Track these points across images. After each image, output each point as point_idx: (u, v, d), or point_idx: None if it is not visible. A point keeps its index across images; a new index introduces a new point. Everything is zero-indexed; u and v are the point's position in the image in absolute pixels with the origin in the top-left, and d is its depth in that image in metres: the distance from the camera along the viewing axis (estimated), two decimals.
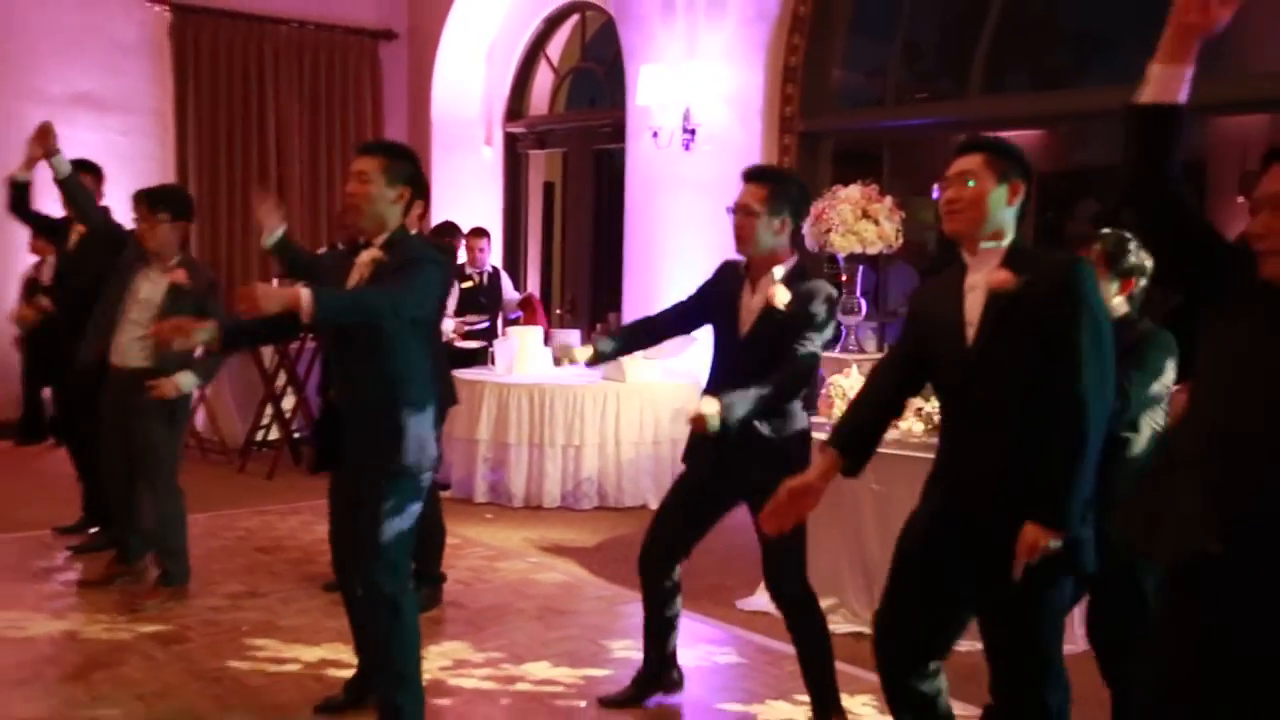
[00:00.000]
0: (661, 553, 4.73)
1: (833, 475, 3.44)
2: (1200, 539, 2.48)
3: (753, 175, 4.55)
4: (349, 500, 4.18)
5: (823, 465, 3.47)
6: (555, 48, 11.65)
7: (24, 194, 6.88)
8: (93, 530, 6.95)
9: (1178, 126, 2.68)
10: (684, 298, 4.86)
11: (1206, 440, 2.58)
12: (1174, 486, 2.63)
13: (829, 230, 7.11)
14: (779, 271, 4.42)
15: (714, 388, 4.43)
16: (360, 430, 4.09)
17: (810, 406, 6.10)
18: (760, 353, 4.38)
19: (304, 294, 3.78)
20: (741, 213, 4.44)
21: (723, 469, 4.55)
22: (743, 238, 4.46)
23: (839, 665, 4.78)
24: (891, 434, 4.20)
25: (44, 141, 6.55)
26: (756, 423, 4.36)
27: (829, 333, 4.51)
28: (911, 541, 3.51)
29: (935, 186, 3.49)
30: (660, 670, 4.93)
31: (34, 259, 8.11)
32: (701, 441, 4.50)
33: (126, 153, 10.04)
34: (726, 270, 4.67)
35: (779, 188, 4.49)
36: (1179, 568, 2.59)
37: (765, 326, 4.39)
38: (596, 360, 4.80)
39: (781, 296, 4.34)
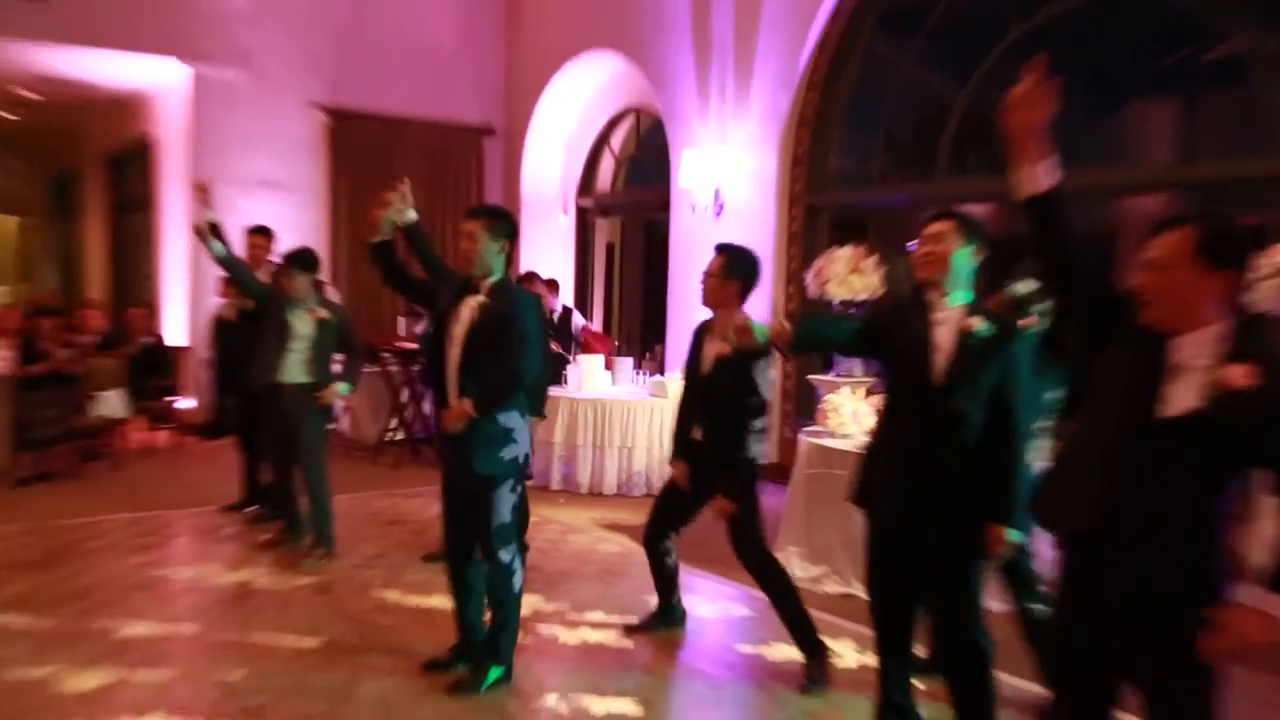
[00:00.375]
0: (656, 529, 4.90)
1: None
2: (1086, 519, 2.56)
3: (723, 249, 4.62)
4: (462, 492, 4.25)
5: None
6: (616, 140, 11.66)
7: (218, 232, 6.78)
8: (250, 508, 7.07)
9: (1055, 206, 2.64)
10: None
11: (1089, 448, 2.63)
12: (1070, 482, 2.66)
13: (827, 282, 7.14)
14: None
15: (687, 404, 4.71)
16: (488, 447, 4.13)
17: (809, 416, 6.21)
18: (718, 384, 4.49)
19: (468, 406, 4.02)
20: (710, 278, 4.56)
21: (695, 475, 4.70)
22: (708, 297, 4.59)
23: (830, 618, 4.94)
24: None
25: (202, 196, 6.65)
26: (717, 446, 4.49)
27: (771, 374, 4.56)
28: (882, 530, 3.56)
29: (913, 243, 3.54)
30: (667, 609, 5.09)
31: (221, 300, 8.15)
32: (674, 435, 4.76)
33: (293, 221, 10.15)
34: (700, 329, 4.70)
35: (737, 260, 4.56)
36: (1072, 538, 2.65)
37: (717, 368, 4.48)
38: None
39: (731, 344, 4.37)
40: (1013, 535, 3.35)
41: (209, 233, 6.53)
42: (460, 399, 4.12)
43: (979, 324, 3.33)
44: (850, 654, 4.73)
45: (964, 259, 3.43)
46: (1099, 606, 2.60)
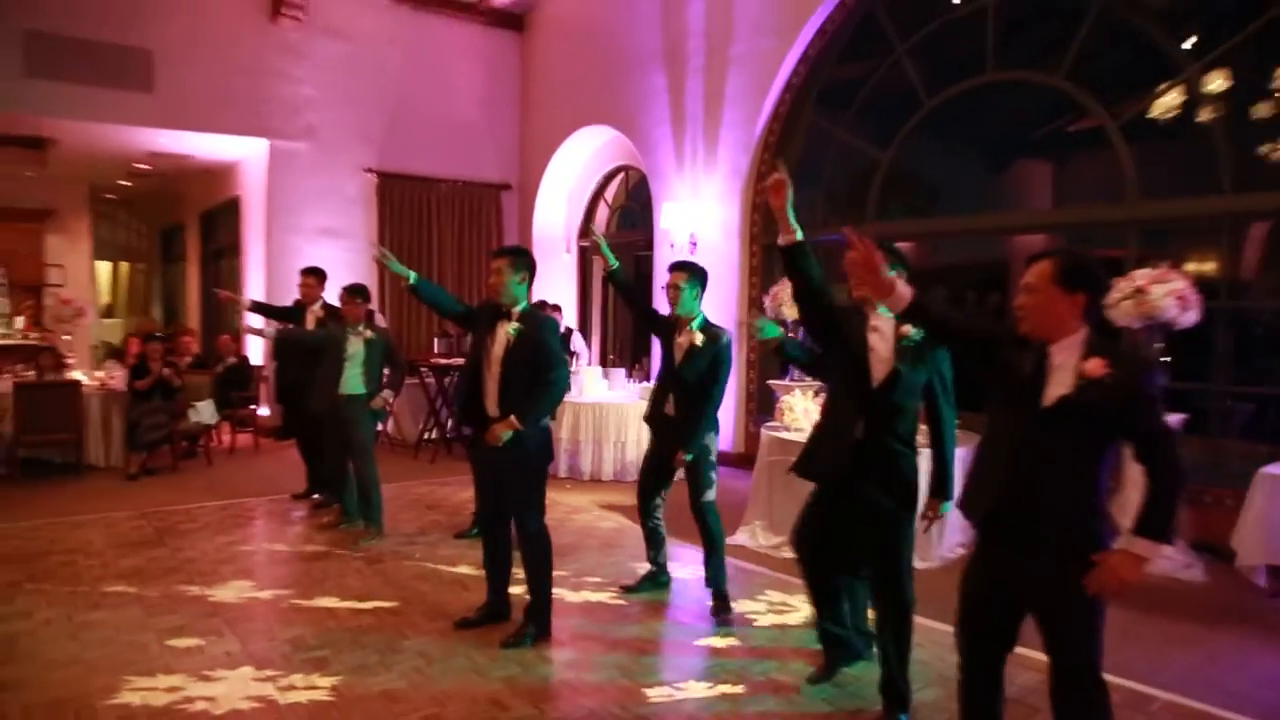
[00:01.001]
0: (643, 495, 4.91)
1: None
2: (992, 504, 2.60)
3: (675, 266, 4.68)
4: (496, 480, 4.23)
5: None
6: (610, 192, 11.67)
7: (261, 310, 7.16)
8: (314, 496, 7.02)
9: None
10: (658, 313, 4.90)
11: (996, 446, 2.66)
12: (983, 474, 2.69)
13: (781, 304, 7.16)
14: (695, 324, 4.60)
15: (660, 383, 4.73)
16: (521, 433, 4.05)
17: (769, 414, 6.21)
18: (688, 370, 4.56)
19: (514, 421, 3.99)
20: (671, 289, 4.60)
21: (656, 437, 4.82)
22: (672, 304, 4.64)
23: (787, 578, 4.97)
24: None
25: (230, 302, 7.10)
26: (683, 416, 4.56)
27: (727, 354, 4.60)
28: (825, 503, 3.50)
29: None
30: (657, 572, 5.08)
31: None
32: (650, 407, 4.81)
33: (349, 262, 10.14)
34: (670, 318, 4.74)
35: (693, 273, 4.64)
36: (982, 521, 2.67)
37: (688, 357, 4.56)
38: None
39: (698, 339, 4.55)
40: (944, 507, 3.32)
41: (263, 331, 6.71)
42: (501, 411, 4.09)
43: (911, 330, 3.29)
44: (805, 606, 4.65)
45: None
46: (1005, 565, 2.62)
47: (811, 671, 3.83)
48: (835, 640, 3.74)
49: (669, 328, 4.73)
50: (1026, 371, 2.57)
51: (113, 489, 7.49)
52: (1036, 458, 2.52)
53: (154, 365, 8.11)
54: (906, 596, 3.40)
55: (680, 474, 4.74)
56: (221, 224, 12.88)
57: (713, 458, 4.67)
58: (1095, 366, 2.44)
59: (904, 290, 2.72)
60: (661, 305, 5.09)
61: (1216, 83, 6.07)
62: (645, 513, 4.96)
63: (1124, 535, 2.47)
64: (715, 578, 4.67)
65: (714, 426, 4.65)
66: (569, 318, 10.63)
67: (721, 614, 4.60)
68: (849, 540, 3.48)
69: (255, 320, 7.08)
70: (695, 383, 4.56)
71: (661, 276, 9.41)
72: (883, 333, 3.34)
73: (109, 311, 17.37)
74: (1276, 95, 5.94)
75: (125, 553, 5.61)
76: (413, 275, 4.73)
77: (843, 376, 3.46)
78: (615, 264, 4.85)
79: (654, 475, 4.88)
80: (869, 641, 3.88)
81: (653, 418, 4.82)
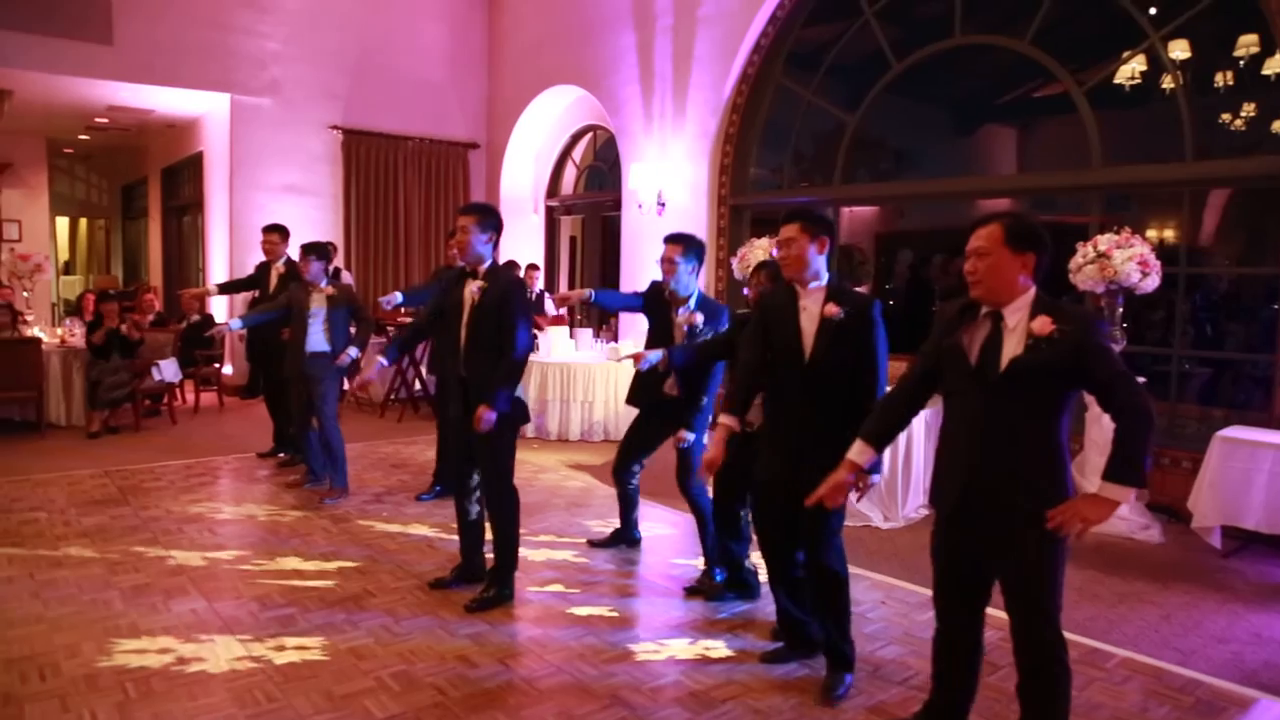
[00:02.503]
0: (623, 461, 4.82)
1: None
2: (960, 490, 2.59)
3: (670, 238, 4.50)
4: (466, 439, 4.11)
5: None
6: (578, 153, 11.55)
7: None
8: (280, 455, 6.94)
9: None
10: (635, 295, 4.80)
11: (957, 430, 2.65)
12: (948, 464, 2.68)
13: (749, 266, 7.05)
14: (693, 302, 4.47)
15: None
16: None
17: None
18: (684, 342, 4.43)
19: (488, 414, 3.90)
20: (666, 263, 4.43)
21: (650, 412, 4.67)
22: (667, 276, 4.47)
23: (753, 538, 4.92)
24: None
25: (191, 304, 6.69)
26: (686, 395, 4.44)
27: (725, 327, 4.40)
28: (768, 471, 3.42)
29: (774, 246, 3.42)
30: (626, 531, 5.06)
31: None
32: (638, 389, 4.66)
33: (315, 220, 10.11)
34: (657, 288, 4.61)
35: (688, 246, 4.47)
36: (947, 509, 2.68)
37: (689, 336, 4.42)
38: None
39: (698, 320, 4.41)
40: (874, 479, 3.26)
41: (224, 327, 6.42)
42: (467, 371, 4.05)
43: (835, 310, 3.21)
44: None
45: (814, 251, 3.27)
46: (971, 530, 2.63)
47: (766, 651, 3.72)
48: (793, 625, 3.65)
49: (662, 305, 4.57)
50: (979, 343, 2.56)
51: (74, 447, 7.32)
52: (997, 424, 2.52)
53: (110, 322, 7.91)
54: (832, 563, 3.32)
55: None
56: (184, 180, 12.62)
57: (705, 439, 4.50)
58: (1042, 324, 2.45)
59: (862, 454, 2.84)
60: (636, 284, 5.00)
61: (1179, 51, 6.06)
62: (622, 476, 4.89)
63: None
64: (711, 552, 4.51)
65: (713, 405, 4.52)
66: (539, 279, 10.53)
67: (707, 592, 4.41)
68: (792, 516, 3.39)
69: (223, 320, 6.79)
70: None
71: (628, 237, 9.44)
72: (811, 313, 3.27)
73: (69, 268, 16.99)
74: (1241, 64, 5.95)
75: (87, 511, 5.49)
76: (591, 293, 4.78)
77: (778, 361, 3.36)
78: (592, 296, 4.80)
79: (641, 446, 4.76)
80: (755, 581, 4.19)
81: (649, 398, 4.64)
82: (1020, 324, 2.51)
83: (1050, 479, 2.51)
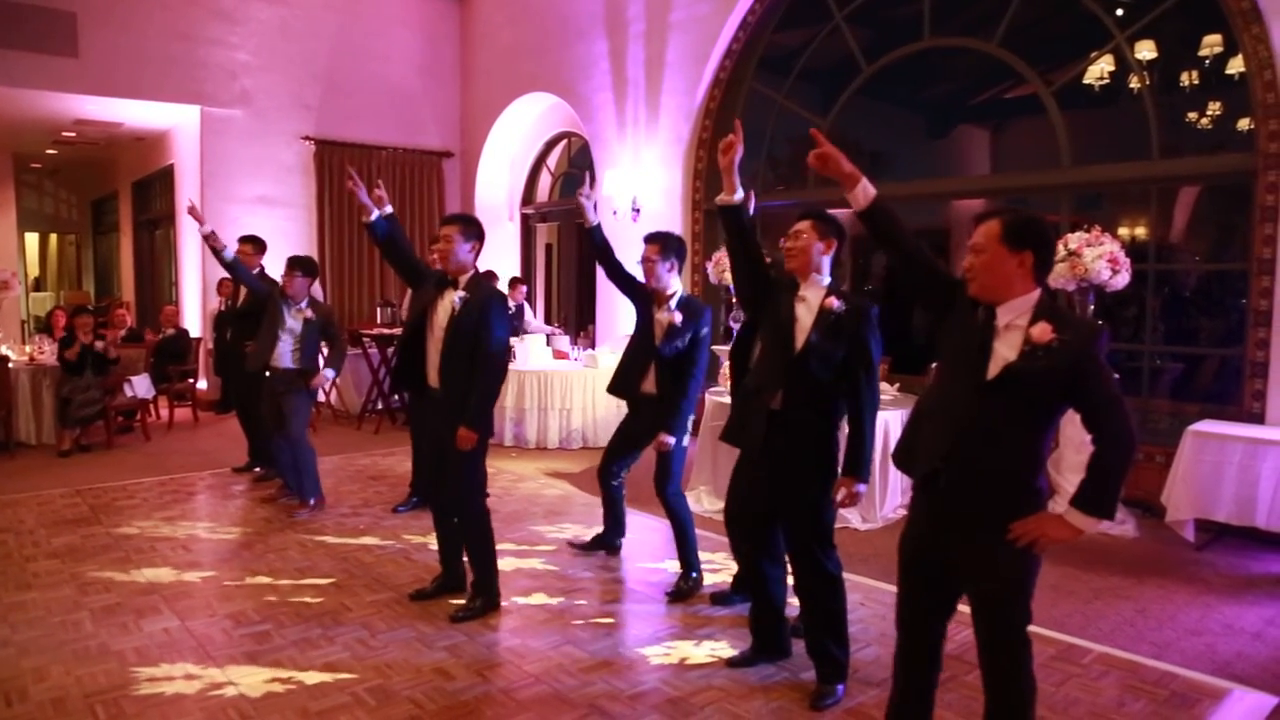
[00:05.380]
0: (608, 462, 4.80)
1: None
2: (933, 462, 2.52)
3: (650, 238, 4.47)
4: (441, 453, 4.07)
5: None
6: (552, 160, 11.52)
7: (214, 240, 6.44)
8: (256, 469, 6.87)
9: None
10: (635, 278, 4.64)
11: (936, 403, 2.59)
12: (921, 430, 2.62)
13: (724, 270, 7.11)
14: (675, 301, 4.43)
15: (636, 357, 4.53)
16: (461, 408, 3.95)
17: (713, 379, 6.20)
18: (667, 348, 4.38)
19: (466, 434, 3.88)
20: (646, 262, 4.43)
21: (634, 412, 4.66)
22: (647, 276, 4.45)
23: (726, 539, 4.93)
24: None
25: (195, 215, 6.51)
26: (665, 395, 4.39)
27: (707, 332, 4.41)
28: (746, 473, 3.45)
29: (782, 240, 3.48)
30: (609, 536, 5.05)
31: (219, 298, 7.98)
32: (619, 378, 4.62)
33: (288, 232, 10.03)
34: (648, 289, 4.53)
35: (666, 244, 4.44)
36: (922, 477, 2.59)
37: (667, 334, 4.39)
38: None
39: (677, 319, 4.37)
40: (860, 487, 3.27)
41: (217, 241, 6.28)
42: (442, 379, 4.00)
43: (834, 303, 3.25)
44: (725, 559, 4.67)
45: (820, 250, 3.33)
46: (940, 535, 2.56)
47: (735, 654, 3.71)
48: (763, 628, 3.64)
49: (647, 298, 4.54)
50: (974, 335, 2.48)
51: (44, 466, 7.23)
52: (981, 426, 2.43)
53: (83, 337, 7.82)
54: (827, 569, 3.32)
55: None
56: (155, 193, 12.51)
57: (685, 443, 4.50)
58: (1041, 332, 2.35)
59: (868, 187, 2.65)
60: (612, 290, 4.97)
61: (1145, 51, 6.14)
62: (606, 480, 4.87)
63: (1063, 498, 2.46)
64: (687, 559, 4.52)
65: (693, 408, 4.50)
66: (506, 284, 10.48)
67: (686, 594, 4.43)
68: (770, 513, 3.42)
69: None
70: (675, 361, 4.41)
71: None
72: (809, 304, 3.29)
73: (39, 285, 16.80)
74: (1205, 63, 6.03)
75: (58, 531, 5.42)
76: (381, 212, 4.35)
77: (766, 344, 3.39)
78: (595, 222, 4.61)
79: (625, 447, 4.74)
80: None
81: (626, 391, 4.63)
82: (1016, 326, 2.41)
83: (1023, 484, 2.43)
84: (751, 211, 3.63)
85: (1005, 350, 2.41)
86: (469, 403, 3.93)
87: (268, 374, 5.90)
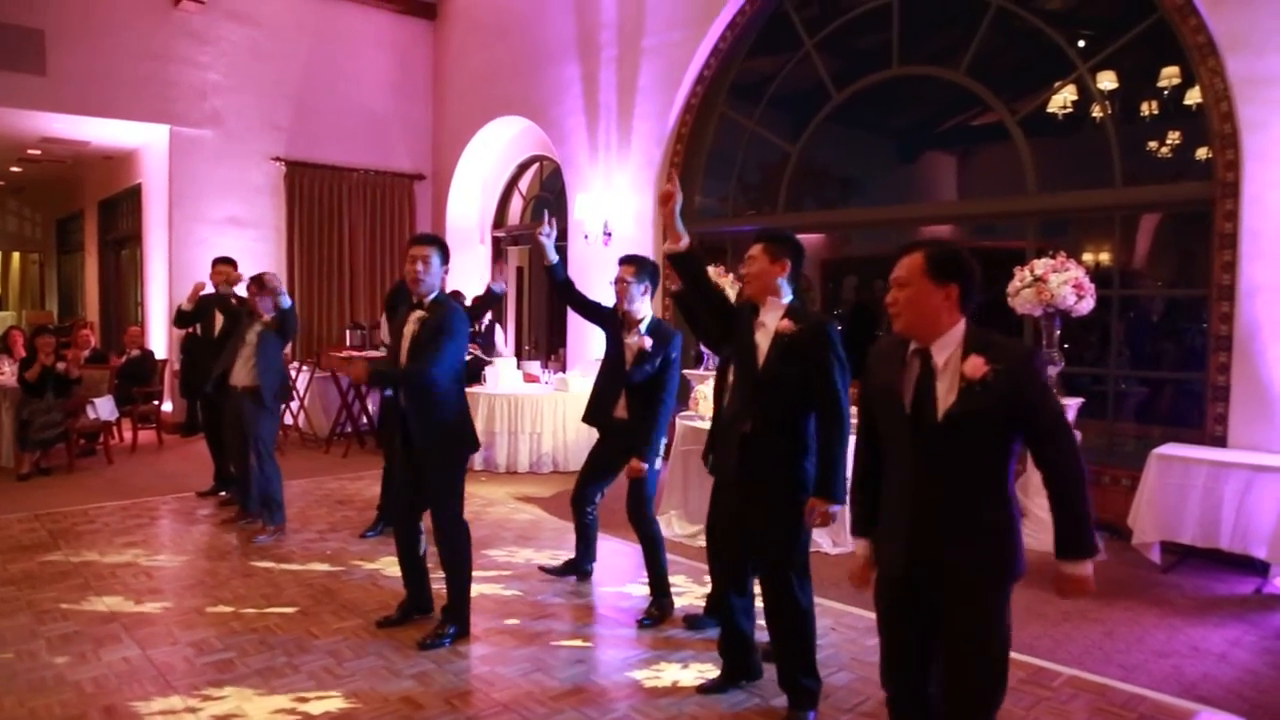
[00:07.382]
0: (580, 489, 4.76)
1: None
2: (908, 558, 2.37)
3: (625, 260, 4.48)
4: (416, 476, 4.04)
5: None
6: (524, 183, 11.52)
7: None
8: (221, 493, 6.78)
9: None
10: (601, 305, 4.69)
11: (891, 491, 2.44)
12: (885, 522, 2.47)
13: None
14: (645, 325, 4.42)
15: (607, 383, 4.54)
16: (433, 430, 3.97)
17: (684, 403, 6.18)
18: (637, 373, 4.38)
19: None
20: (620, 284, 4.42)
21: (606, 437, 4.63)
22: (620, 297, 4.44)
23: (702, 565, 4.85)
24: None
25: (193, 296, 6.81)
26: (637, 420, 4.38)
27: (677, 356, 4.41)
28: (721, 499, 3.46)
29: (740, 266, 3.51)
30: (580, 562, 5.01)
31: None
32: (593, 407, 4.61)
33: (258, 252, 9.96)
34: (615, 311, 4.55)
35: (641, 267, 4.45)
36: (893, 573, 2.44)
37: (637, 359, 4.38)
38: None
39: (648, 344, 4.36)
40: (834, 508, 3.22)
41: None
42: (406, 401, 3.99)
43: (786, 324, 3.22)
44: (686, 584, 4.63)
45: (774, 273, 3.29)
46: (919, 565, 2.40)
47: (705, 681, 3.67)
48: (733, 654, 3.60)
49: (616, 323, 4.52)
50: (912, 386, 2.34)
51: (2, 491, 7.06)
52: (936, 480, 2.30)
53: (44, 360, 7.68)
54: (799, 601, 3.27)
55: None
56: (122, 213, 12.35)
57: (657, 467, 4.47)
58: (974, 366, 2.24)
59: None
60: (591, 294, 4.96)
61: (1107, 81, 6.25)
62: (580, 505, 4.83)
63: (1032, 521, 2.40)
64: (658, 583, 4.48)
65: (664, 433, 4.47)
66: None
67: (656, 620, 4.39)
68: (744, 539, 3.39)
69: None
70: (645, 386, 4.39)
71: (575, 267, 9.40)
72: (767, 328, 3.28)
73: (1, 304, 16.52)
74: (1164, 94, 6.15)
75: (15, 557, 5.28)
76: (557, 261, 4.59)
77: (736, 371, 3.38)
78: (554, 260, 4.58)
79: (598, 474, 4.71)
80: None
81: (599, 419, 4.61)
82: (951, 363, 2.29)
83: (1000, 538, 2.31)
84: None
85: (944, 392, 2.30)
86: (430, 419, 3.96)
87: (231, 393, 5.84)
